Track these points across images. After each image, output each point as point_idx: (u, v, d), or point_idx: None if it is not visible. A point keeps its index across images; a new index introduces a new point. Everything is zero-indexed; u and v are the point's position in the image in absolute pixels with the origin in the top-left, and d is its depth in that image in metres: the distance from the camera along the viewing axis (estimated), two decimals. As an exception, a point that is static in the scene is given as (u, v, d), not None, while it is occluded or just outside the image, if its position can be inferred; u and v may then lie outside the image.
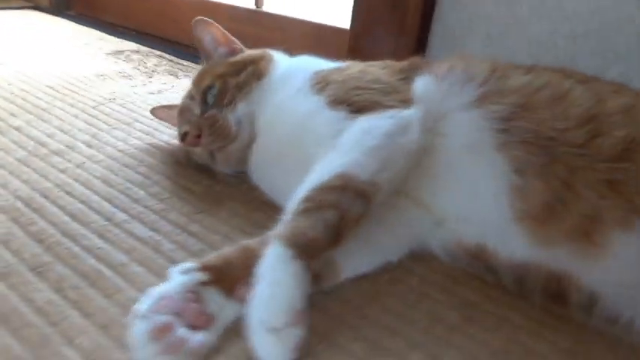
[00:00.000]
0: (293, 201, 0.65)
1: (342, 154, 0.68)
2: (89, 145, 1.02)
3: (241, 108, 0.87)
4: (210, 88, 0.90)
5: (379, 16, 1.33)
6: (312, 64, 0.91)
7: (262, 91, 0.88)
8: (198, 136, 0.86)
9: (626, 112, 0.68)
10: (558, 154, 0.65)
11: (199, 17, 0.99)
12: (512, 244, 0.67)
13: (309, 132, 0.77)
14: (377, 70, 0.85)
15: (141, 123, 1.16)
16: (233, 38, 1.01)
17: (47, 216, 0.76)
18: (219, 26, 1.00)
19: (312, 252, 0.59)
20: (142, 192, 0.86)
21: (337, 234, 0.61)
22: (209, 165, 0.93)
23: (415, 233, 0.74)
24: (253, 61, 0.93)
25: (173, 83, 1.48)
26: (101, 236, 0.73)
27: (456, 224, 0.72)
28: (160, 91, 1.40)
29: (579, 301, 0.65)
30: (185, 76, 1.56)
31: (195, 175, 0.94)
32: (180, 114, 0.95)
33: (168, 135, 1.10)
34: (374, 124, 0.71)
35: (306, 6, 1.72)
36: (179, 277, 0.58)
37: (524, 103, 0.70)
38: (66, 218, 0.76)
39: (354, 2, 1.40)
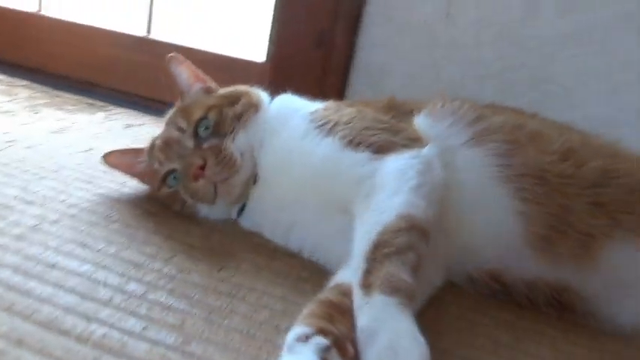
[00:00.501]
0: (360, 246, 0.65)
1: (390, 196, 0.70)
2: (27, 202, 0.83)
3: (242, 138, 0.85)
4: (202, 119, 0.86)
5: (303, 52, 1.37)
6: (302, 103, 0.91)
7: (259, 125, 0.87)
8: (202, 168, 0.81)
9: (587, 146, 0.84)
10: (553, 184, 0.77)
11: (173, 54, 0.94)
12: (524, 265, 0.77)
13: (333, 174, 0.77)
14: (368, 109, 0.89)
15: (71, 169, 0.99)
16: (206, 76, 0.96)
17: (41, 297, 0.61)
18: (191, 63, 0.95)
19: (412, 296, 0.59)
20: (137, 254, 0.74)
21: (417, 275, 0.63)
22: (191, 209, 0.88)
23: (447, 263, 0.80)
24: (245, 94, 0.91)
25: (72, 120, 1.28)
26: (133, 314, 0.61)
27: (475, 251, 0.79)
28: (62, 130, 1.20)
29: (582, 308, 0.78)
30: (79, 111, 1.36)
31: (179, 224, 0.85)
32: (162, 150, 0.87)
33: (113, 183, 0.96)
34: (406, 164, 0.74)
35: (200, 35, 1.65)
36: (305, 347, 0.53)
37: (512, 140, 0.81)
38: (71, 298, 0.62)
39: (274, 37, 1.41)
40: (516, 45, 1.26)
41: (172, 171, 0.87)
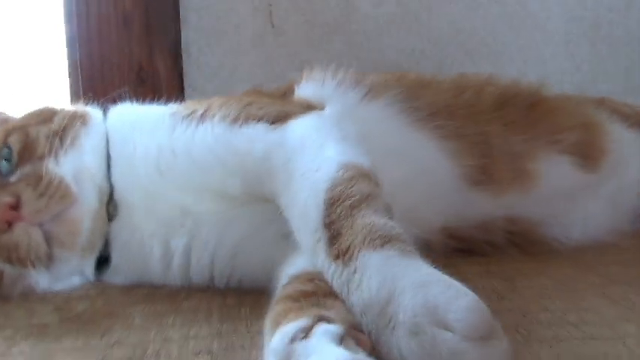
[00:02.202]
0: (306, 218, 0.47)
1: (318, 150, 0.53)
2: None
3: (70, 158, 0.61)
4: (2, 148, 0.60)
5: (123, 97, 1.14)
6: (150, 107, 0.71)
7: (94, 141, 0.64)
8: (15, 207, 0.54)
9: (468, 79, 0.82)
10: (464, 115, 0.73)
11: None
12: (471, 207, 0.70)
13: (227, 160, 0.59)
14: (239, 96, 0.73)
15: None
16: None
17: None
18: None
19: (409, 244, 0.42)
20: None
21: None
22: (18, 286, 0.58)
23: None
24: (61, 110, 0.67)
25: None
26: None
27: (420, 211, 0.67)
28: None
29: (538, 235, 0.71)
30: None
31: (11, 309, 0.54)
32: None
33: None
34: (317, 122, 0.60)
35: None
36: (311, 342, 0.32)
37: (407, 87, 0.75)
38: None
39: (77, 91, 1.16)
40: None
41: None
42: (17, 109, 0.71)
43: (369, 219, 0.43)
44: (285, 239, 0.56)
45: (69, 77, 1.19)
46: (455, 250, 0.69)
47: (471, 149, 0.69)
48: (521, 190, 0.70)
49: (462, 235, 0.69)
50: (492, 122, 0.73)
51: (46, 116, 0.65)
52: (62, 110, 0.66)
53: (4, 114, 0.69)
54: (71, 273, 0.61)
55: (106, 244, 0.62)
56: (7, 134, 0.61)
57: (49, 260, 0.56)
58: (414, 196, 0.67)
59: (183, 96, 1.18)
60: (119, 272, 0.62)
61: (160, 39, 1.16)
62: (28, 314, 0.53)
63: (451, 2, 1.24)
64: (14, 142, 0.60)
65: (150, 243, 0.60)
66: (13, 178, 0.57)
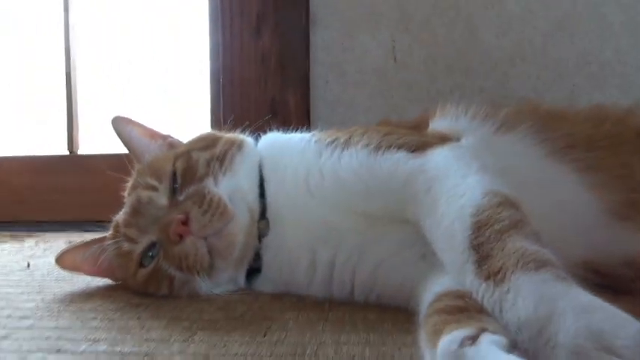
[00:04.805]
0: (451, 240, 0.51)
1: (462, 178, 0.56)
2: None
3: (227, 180, 0.68)
4: (175, 172, 0.69)
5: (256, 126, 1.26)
6: (294, 134, 0.78)
7: (249, 165, 0.72)
8: (185, 222, 0.62)
9: (603, 110, 0.80)
10: (605, 147, 0.71)
11: (117, 116, 0.77)
12: (616, 241, 0.67)
13: (371, 184, 0.63)
14: (376, 126, 0.78)
15: (10, 287, 0.74)
16: (164, 133, 0.80)
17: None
18: (140, 122, 0.78)
19: (563, 270, 0.44)
20: (141, 342, 0.51)
21: None
22: (186, 288, 0.66)
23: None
24: (222, 136, 0.76)
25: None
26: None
27: (560, 244, 0.66)
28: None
29: None
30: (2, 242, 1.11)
31: (183, 305, 0.64)
32: (131, 223, 0.68)
33: (74, 286, 0.73)
34: (457, 153, 0.63)
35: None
36: (482, 349, 0.35)
37: (541, 119, 0.74)
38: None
39: (217, 119, 1.29)
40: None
41: (151, 246, 0.66)
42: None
43: (520, 243, 0.46)
44: (424, 260, 0.60)
45: (210, 104, 1.34)
46: (599, 286, 0.66)
47: (614, 182, 0.67)
48: None
49: (606, 271, 0.65)
50: (636, 154, 0.70)
51: (208, 142, 0.74)
52: (222, 137, 0.75)
53: (173, 138, 0.80)
54: (227, 281, 0.68)
55: (257, 257, 0.69)
56: (176, 159, 0.70)
57: (210, 269, 0.65)
58: (554, 229, 0.64)
59: (309, 124, 1.27)
60: (268, 282, 0.69)
61: (292, 74, 1.26)
62: (198, 311, 0.61)
63: (580, 33, 1.22)
64: (179, 165, 0.69)
65: (297, 256, 0.66)
66: (181, 197, 0.66)
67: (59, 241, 1.09)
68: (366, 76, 1.28)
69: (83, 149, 1.46)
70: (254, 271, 0.70)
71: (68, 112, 1.45)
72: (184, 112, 1.51)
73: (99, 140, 1.47)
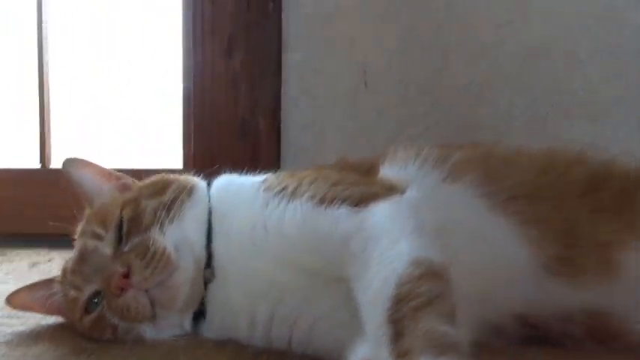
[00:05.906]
0: (375, 309, 0.52)
1: (393, 243, 0.58)
2: None
3: (173, 229, 0.69)
4: (122, 219, 0.70)
5: (226, 147, 1.27)
6: (247, 178, 0.79)
7: (198, 212, 0.73)
8: (126, 275, 0.64)
9: (554, 158, 0.79)
10: (548, 199, 0.71)
11: (69, 157, 0.78)
12: (550, 296, 0.68)
13: (312, 240, 0.65)
14: (325, 170, 0.79)
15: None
16: (117, 173, 0.80)
17: None
18: (97, 164, 0.79)
19: (463, 353, 0.46)
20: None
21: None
22: (130, 333, 0.67)
23: (467, 320, 0.65)
24: (174, 181, 0.76)
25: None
26: None
27: (494, 296, 0.68)
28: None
29: (621, 329, 0.68)
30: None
31: (125, 355, 0.64)
32: (76, 271, 0.69)
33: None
34: (395, 209, 0.64)
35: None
36: None
37: (488, 168, 0.75)
38: None
39: (189, 138, 1.30)
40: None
41: (96, 294, 0.68)
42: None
43: (430, 324, 0.47)
44: (356, 321, 0.61)
45: (182, 124, 1.34)
46: (530, 338, 0.68)
47: (554, 237, 0.68)
48: (605, 281, 0.67)
49: (538, 324, 0.67)
50: (579, 208, 0.70)
51: (158, 188, 0.74)
52: (174, 182, 0.75)
53: (127, 179, 0.80)
54: (172, 326, 0.69)
55: (202, 302, 0.70)
56: (124, 206, 0.71)
57: (153, 318, 0.66)
58: (490, 281, 0.67)
59: (279, 146, 1.28)
60: (212, 328, 0.70)
61: (263, 95, 1.27)
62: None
63: (550, 61, 1.22)
64: (126, 214, 0.70)
65: (238, 308, 0.67)
66: (125, 248, 0.67)
67: (23, 263, 1.10)
68: (337, 99, 1.28)
69: (56, 163, 1.46)
70: (201, 314, 0.71)
71: (41, 125, 1.44)
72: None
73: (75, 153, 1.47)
